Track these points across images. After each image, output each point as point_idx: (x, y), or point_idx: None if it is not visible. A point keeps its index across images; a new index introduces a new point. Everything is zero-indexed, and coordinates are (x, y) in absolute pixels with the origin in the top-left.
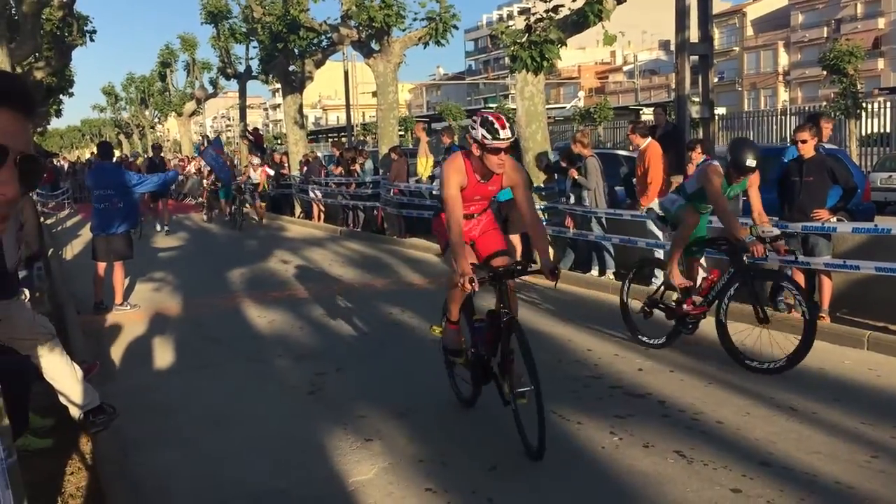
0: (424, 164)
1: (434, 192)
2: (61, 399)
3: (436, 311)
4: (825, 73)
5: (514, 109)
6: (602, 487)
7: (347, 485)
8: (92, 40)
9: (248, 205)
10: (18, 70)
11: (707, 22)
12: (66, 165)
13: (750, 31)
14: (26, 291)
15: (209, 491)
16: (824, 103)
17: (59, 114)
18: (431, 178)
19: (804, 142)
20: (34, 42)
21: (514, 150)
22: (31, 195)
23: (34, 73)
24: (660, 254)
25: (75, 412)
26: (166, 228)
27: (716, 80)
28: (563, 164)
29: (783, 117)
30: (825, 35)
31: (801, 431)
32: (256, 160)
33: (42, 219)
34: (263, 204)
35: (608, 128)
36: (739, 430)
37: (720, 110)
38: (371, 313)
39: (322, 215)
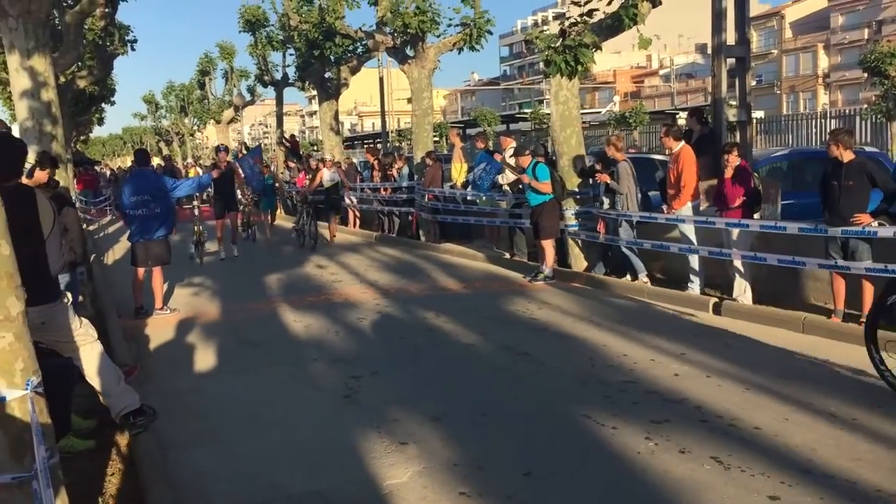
0: (459, 170)
1: (468, 198)
2: (102, 401)
3: (471, 315)
4: (866, 75)
5: (549, 114)
6: (637, 493)
7: (382, 488)
8: (133, 49)
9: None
10: (62, 79)
11: (744, 24)
12: (108, 173)
13: (789, 34)
14: (69, 295)
15: (247, 493)
16: (865, 106)
17: (101, 122)
18: (465, 183)
19: (831, 152)
20: (77, 51)
21: (546, 154)
22: (74, 202)
23: (77, 82)
24: (693, 258)
25: (116, 413)
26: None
27: (753, 83)
28: (598, 168)
29: (823, 121)
30: (866, 37)
31: (841, 438)
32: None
33: (84, 225)
34: (337, 217)
35: (644, 132)
36: (778, 436)
37: (758, 114)
38: (406, 318)
39: (358, 221)
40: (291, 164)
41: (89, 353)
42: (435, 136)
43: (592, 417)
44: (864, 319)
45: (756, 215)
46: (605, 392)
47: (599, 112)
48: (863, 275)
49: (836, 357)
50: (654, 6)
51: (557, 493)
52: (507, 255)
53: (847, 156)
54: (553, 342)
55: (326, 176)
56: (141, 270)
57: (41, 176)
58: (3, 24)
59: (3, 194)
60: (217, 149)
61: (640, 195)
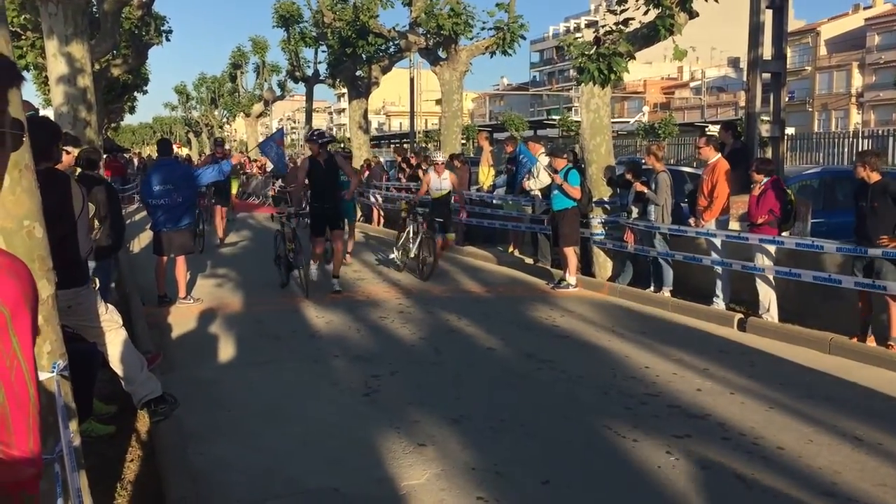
0: (486, 174)
1: (496, 202)
2: (125, 387)
3: (493, 319)
4: None
5: (578, 122)
6: None
7: (400, 488)
8: (168, 40)
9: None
10: (96, 66)
11: (781, 39)
12: (135, 161)
13: (823, 51)
14: (97, 280)
15: (264, 486)
16: None
17: (132, 110)
18: (493, 187)
19: (858, 173)
20: (113, 40)
21: (575, 162)
22: (112, 188)
23: (111, 70)
24: (720, 272)
25: (137, 400)
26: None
27: (786, 99)
28: (629, 178)
29: (855, 140)
30: None
31: (866, 462)
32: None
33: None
34: (451, 237)
35: (672, 144)
36: (801, 457)
37: (789, 130)
38: (427, 319)
39: (382, 220)
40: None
41: (114, 339)
42: (462, 138)
43: (613, 429)
44: (891, 343)
45: (786, 233)
46: (627, 404)
47: (628, 122)
48: (889, 295)
49: (863, 379)
50: (691, 17)
51: (576, 503)
52: (531, 261)
53: (874, 177)
54: (575, 351)
55: (434, 183)
56: (164, 259)
57: (69, 159)
58: (44, 10)
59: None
60: (216, 142)
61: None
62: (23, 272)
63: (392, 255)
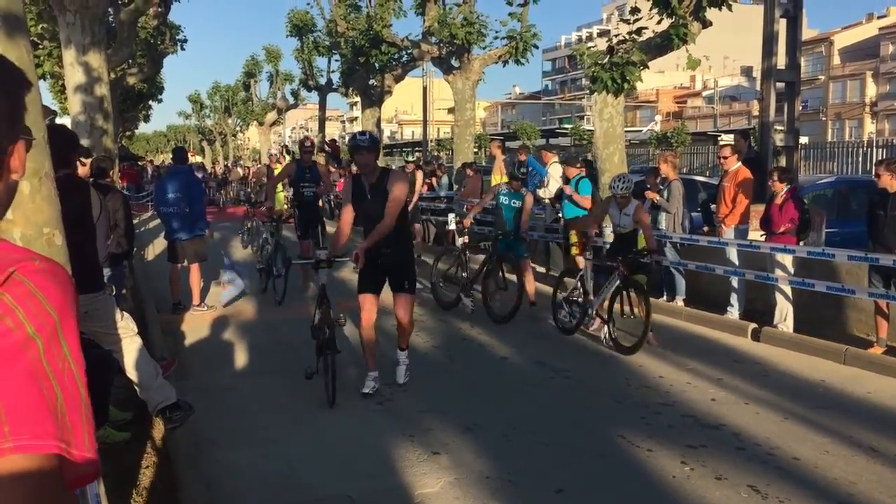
0: (499, 182)
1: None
2: (140, 393)
3: (506, 328)
4: None
5: (590, 130)
6: None
7: (413, 497)
8: (183, 49)
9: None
10: (113, 75)
11: (795, 48)
12: (150, 169)
13: (837, 60)
14: (113, 287)
15: (278, 492)
16: None
17: (147, 119)
18: None
19: (878, 176)
20: (129, 49)
21: (590, 169)
22: (125, 196)
23: (127, 79)
24: (735, 282)
25: (152, 407)
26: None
27: (799, 108)
28: (648, 186)
29: (869, 149)
30: None
31: (882, 473)
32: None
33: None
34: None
35: (685, 153)
36: (817, 468)
37: (802, 140)
38: (441, 327)
39: None
40: (332, 170)
41: (129, 346)
42: (474, 147)
43: (627, 438)
44: None
45: (801, 243)
46: (641, 413)
47: (641, 131)
48: None
49: (878, 390)
50: (705, 27)
51: None
52: (543, 269)
53: (892, 185)
54: (589, 360)
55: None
56: (178, 267)
57: (83, 171)
58: (62, 19)
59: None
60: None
61: (684, 216)
62: (64, 276)
63: (466, 300)
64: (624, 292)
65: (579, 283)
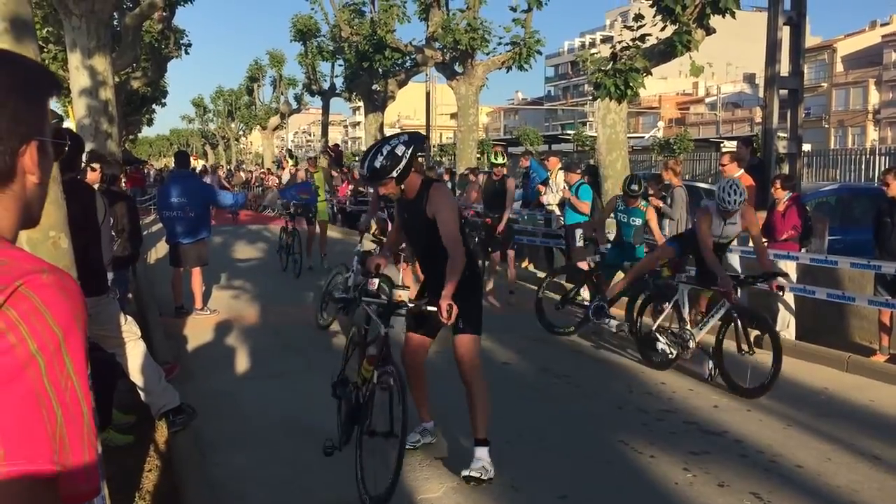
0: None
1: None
2: (143, 397)
3: (508, 334)
4: None
5: (592, 136)
6: None
7: (416, 501)
8: (187, 53)
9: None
10: (117, 79)
11: (799, 56)
12: (152, 173)
13: (840, 68)
14: (117, 291)
15: (281, 496)
16: None
17: (150, 123)
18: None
19: (887, 185)
20: (134, 53)
21: (593, 176)
22: (132, 200)
23: (131, 83)
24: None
25: (156, 411)
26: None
27: (803, 115)
28: (651, 193)
29: (871, 157)
30: None
31: (884, 481)
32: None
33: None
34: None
35: (688, 159)
36: (820, 475)
37: (805, 147)
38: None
39: None
40: (335, 174)
41: (132, 349)
42: (477, 152)
43: (630, 444)
44: None
45: (803, 250)
46: (643, 420)
47: (643, 137)
48: None
49: (881, 398)
50: (708, 34)
51: None
52: (545, 275)
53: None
54: (591, 366)
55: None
56: (180, 271)
57: (93, 177)
58: (67, 23)
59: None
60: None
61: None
62: (73, 288)
63: (614, 324)
64: (735, 323)
65: (671, 310)
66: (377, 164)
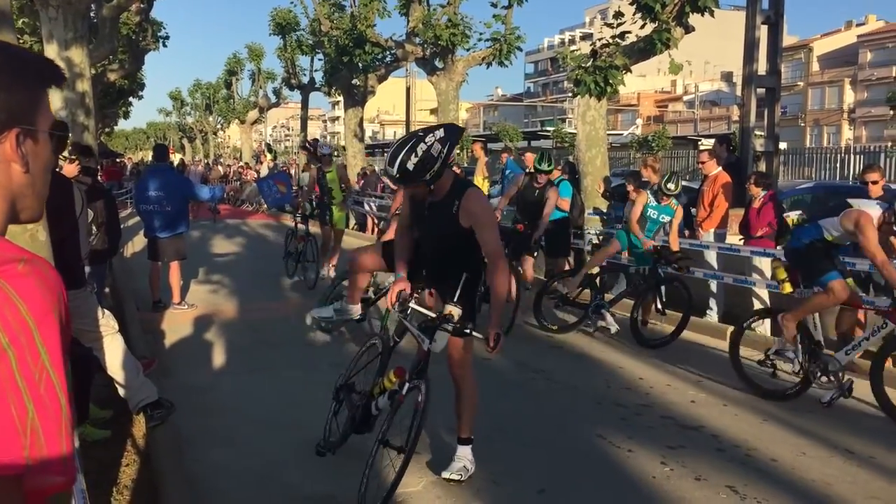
0: (481, 184)
1: None
2: (120, 392)
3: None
4: (892, 112)
5: (572, 133)
6: None
7: (396, 495)
8: (165, 46)
9: None
10: (94, 71)
11: (776, 54)
12: (129, 166)
13: (816, 67)
14: (94, 285)
15: (261, 491)
16: (889, 143)
17: (126, 115)
18: (488, 196)
19: (875, 182)
20: (111, 45)
21: (571, 173)
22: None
23: (108, 75)
24: (713, 285)
25: (133, 405)
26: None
27: (779, 114)
28: (630, 189)
29: (847, 156)
30: (894, 74)
31: (857, 475)
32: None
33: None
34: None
35: (666, 157)
36: (795, 469)
37: (781, 145)
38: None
39: (377, 228)
40: (312, 169)
41: (110, 343)
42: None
43: (608, 439)
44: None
45: (779, 247)
46: (621, 414)
47: (622, 134)
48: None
49: (854, 393)
50: (687, 32)
51: None
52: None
53: (876, 192)
54: (569, 361)
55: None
56: (158, 265)
57: (70, 169)
58: (44, 14)
59: None
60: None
61: None
62: (51, 277)
63: (613, 324)
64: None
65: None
66: (410, 165)
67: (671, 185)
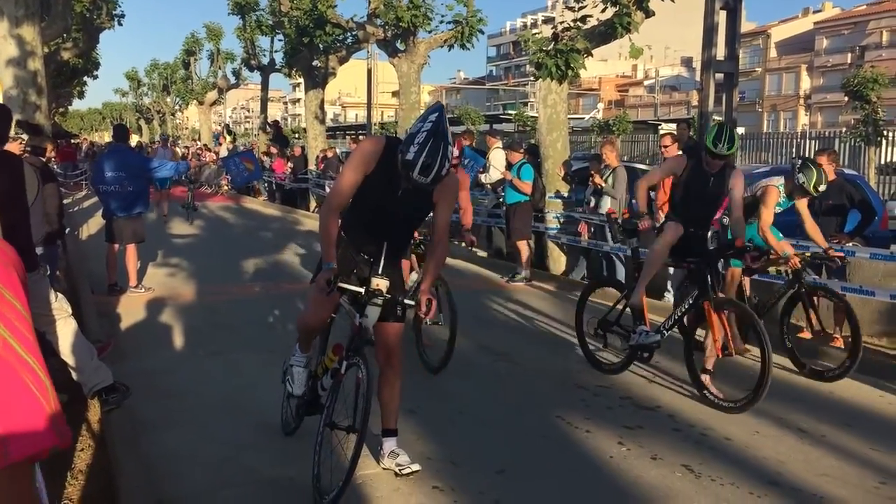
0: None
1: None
2: (74, 376)
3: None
4: (847, 98)
5: (534, 117)
6: (608, 497)
7: (355, 478)
8: (120, 24)
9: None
10: (46, 49)
11: (734, 40)
12: (84, 147)
13: (773, 53)
14: (46, 267)
15: (218, 475)
16: (844, 129)
17: (81, 95)
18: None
19: (820, 165)
20: (65, 23)
21: (534, 156)
22: (55, 174)
23: (62, 54)
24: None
25: (88, 390)
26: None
27: (737, 99)
28: (593, 173)
29: (803, 141)
30: (849, 61)
31: (809, 453)
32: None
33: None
34: None
35: (626, 141)
36: (748, 448)
37: (739, 130)
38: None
39: None
40: (273, 150)
41: (63, 327)
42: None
43: (567, 419)
44: (836, 336)
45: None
46: (581, 395)
47: (583, 118)
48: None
49: (811, 379)
50: (648, 16)
51: (529, 492)
52: (485, 254)
53: (828, 175)
54: (530, 343)
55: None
56: (115, 247)
57: (14, 147)
58: None
59: None
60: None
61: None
62: (7, 255)
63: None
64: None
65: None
66: (444, 171)
67: (822, 187)
